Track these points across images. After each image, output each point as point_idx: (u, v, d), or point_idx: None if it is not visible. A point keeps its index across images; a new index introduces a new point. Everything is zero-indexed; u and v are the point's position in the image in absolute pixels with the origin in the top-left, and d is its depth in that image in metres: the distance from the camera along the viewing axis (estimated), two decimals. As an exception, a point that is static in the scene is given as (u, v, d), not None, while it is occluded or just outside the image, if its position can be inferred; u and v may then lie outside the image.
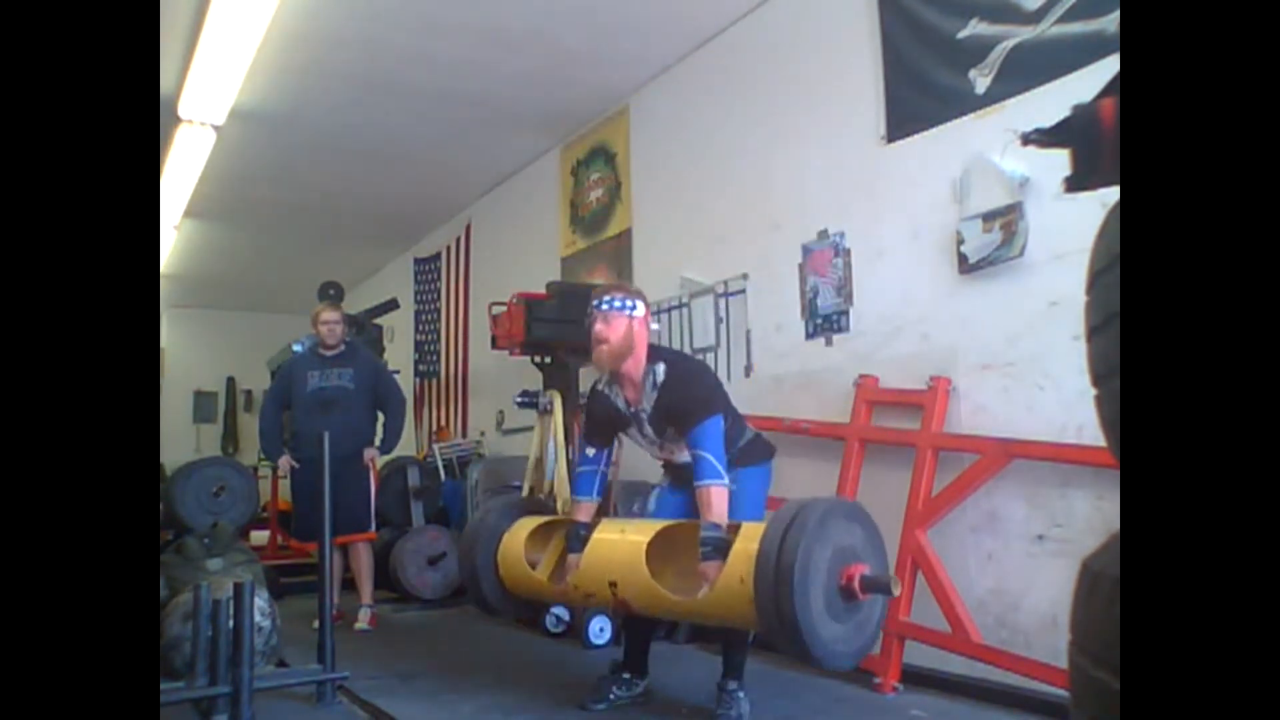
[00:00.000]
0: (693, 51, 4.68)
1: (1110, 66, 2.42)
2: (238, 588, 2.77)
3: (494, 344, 5.01)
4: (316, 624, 3.17)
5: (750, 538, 2.43)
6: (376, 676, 3.39)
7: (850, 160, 3.70)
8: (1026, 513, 2.93)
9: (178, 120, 5.05)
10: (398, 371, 5.79)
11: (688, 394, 2.76)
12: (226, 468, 4.88)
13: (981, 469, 2.95)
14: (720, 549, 2.52)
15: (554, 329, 4.63)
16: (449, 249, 7.56)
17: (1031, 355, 2.95)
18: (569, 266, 5.78)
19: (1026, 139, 1.22)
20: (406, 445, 6.65)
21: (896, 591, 2.41)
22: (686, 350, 4.57)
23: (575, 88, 5.13)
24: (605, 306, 2.80)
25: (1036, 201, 2.94)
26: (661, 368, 2.81)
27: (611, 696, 2.93)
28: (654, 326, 2.97)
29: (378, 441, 4.86)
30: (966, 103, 3.21)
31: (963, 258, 3.16)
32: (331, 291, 6.96)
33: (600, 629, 3.91)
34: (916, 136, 3.41)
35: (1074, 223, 2.69)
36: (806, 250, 3.87)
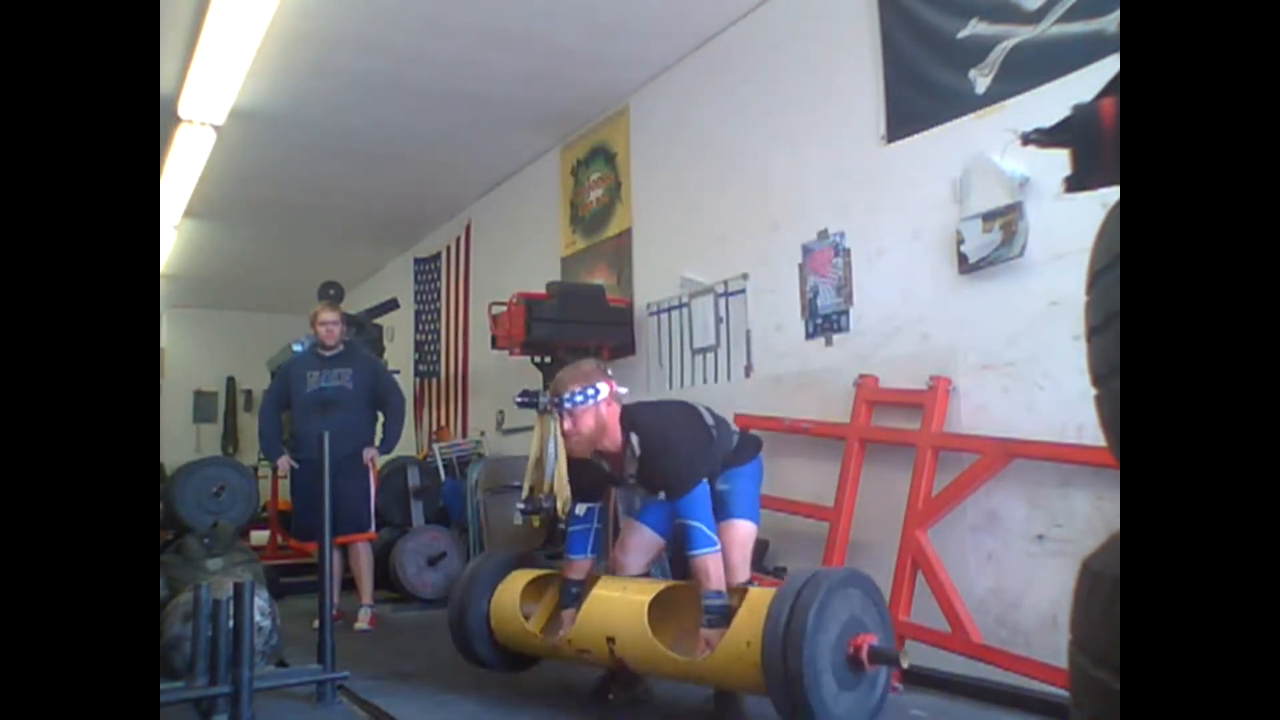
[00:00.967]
0: (693, 51, 4.68)
1: (1110, 66, 2.43)
2: (238, 588, 2.77)
3: (494, 344, 5.01)
4: (316, 624, 3.17)
5: (758, 604, 2.41)
6: (376, 676, 3.39)
7: (850, 160, 3.70)
8: (1026, 513, 2.93)
9: (178, 120, 5.05)
10: (397, 371, 5.78)
11: (666, 469, 2.72)
12: (226, 468, 4.87)
13: (981, 469, 2.95)
14: (724, 617, 2.52)
15: (554, 329, 4.64)
16: (449, 249, 7.55)
17: (1031, 355, 2.95)
18: (569, 266, 5.78)
19: (1026, 139, 1.22)
20: (406, 445, 6.65)
21: (905, 665, 2.39)
22: (686, 351, 4.57)
23: (575, 88, 5.13)
24: (569, 404, 2.71)
25: (1036, 201, 2.94)
26: (635, 439, 2.76)
27: (611, 696, 2.93)
28: (622, 392, 2.89)
29: (377, 441, 4.86)
30: (966, 103, 3.21)
31: (963, 258, 3.16)
32: (331, 291, 6.96)
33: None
34: (916, 136, 3.41)
35: (1074, 223, 2.69)
36: (806, 250, 3.87)
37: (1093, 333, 0.89)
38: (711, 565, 2.58)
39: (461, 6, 4.24)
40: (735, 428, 3.03)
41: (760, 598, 2.44)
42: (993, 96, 3.13)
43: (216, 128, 5.25)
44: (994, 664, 2.82)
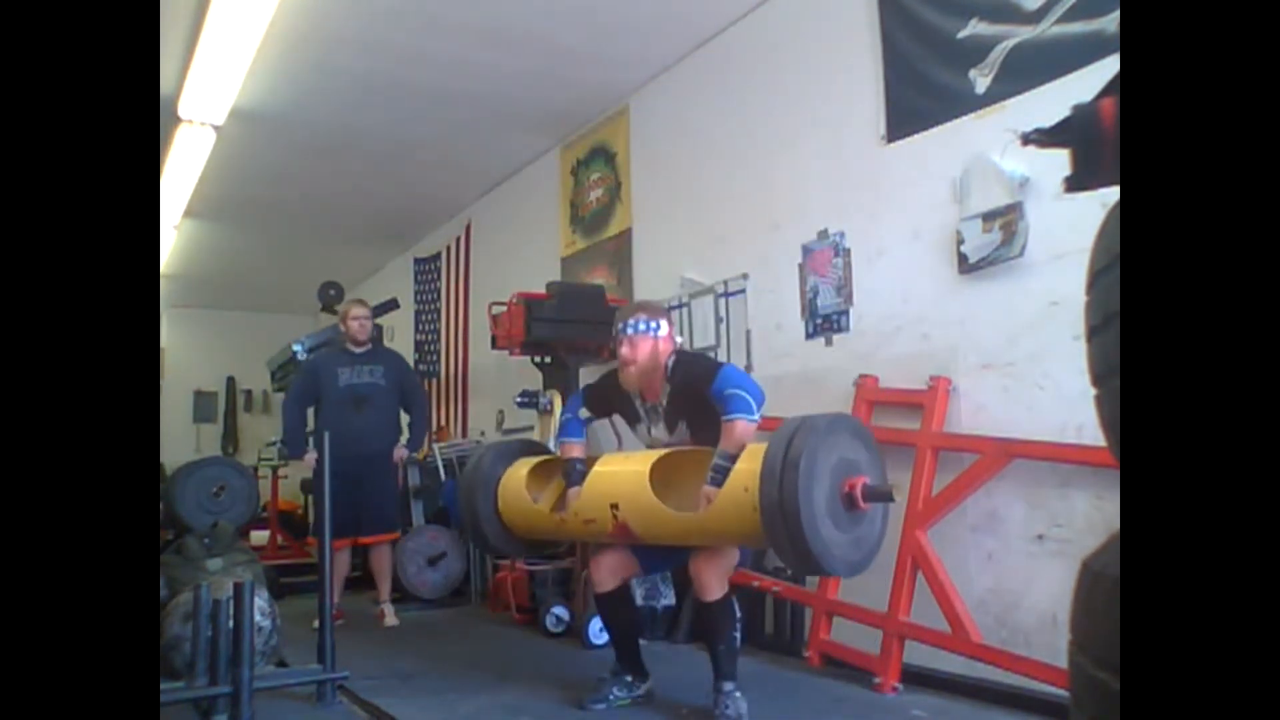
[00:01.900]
0: (693, 51, 4.68)
1: (1110, 66, 2.43)
2: (238, 588, 2.77)
3: (494, 344, 5.01)
4: (316, 624, 3.17)
5: (754, 453, 2.46)
6: (376, 676, 3.39)
7: (850, 160, 3.70)
8: (1026, 513, 2.93)
9: (178, 120, 5.05)
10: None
11: (696, 364, 2.86)
12: (226, 468, 4.86)
13: (981, 469, 2.95)
14: (728, 476, 2.53)
15: (554, 329, 4.63)
16: (449, 249, 7.55)
17: (1031, 355, 2.95)
18: (569, 266, 5.78)
19: (1026, 139, 1.22)
20: (406, 445, 6.64)
21: (895, 499, 2.45)
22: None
23: (575, 88, 5.12)
24: (630, 330, 2.86)
25: (1036, 201, 2.94)
26: (672, 360, 2.88)
27: (611, 697, 2.93)
28: (678, 340, 3.02)
29: (403, 440, 4.89)
30: (966, 103, 3.21)
31: (963, 258, 3.16)
32: (332, 291, 6.98)
33: (600, 629, 3.91)
34: (916, 136, 3.41)
35: (1074, 223, 2.69)
36: (806, 250, 3.87)
37: (1093, 333, 0.89)
38: (739, 430, 2.60)
39: (461, 6, 4.23)
40: None
41: (756, 448, 2.47)
42: (993, 96, 3.13)
43: (216, 128, 5.25)
44: (994, 664, 2.82)
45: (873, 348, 3.53)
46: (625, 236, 5.22)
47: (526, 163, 6.30)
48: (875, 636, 3.12)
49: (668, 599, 3.92)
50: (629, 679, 2.98)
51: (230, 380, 10.66)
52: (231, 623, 2.71)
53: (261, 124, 5.40)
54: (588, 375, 4.98)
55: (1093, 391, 0.90)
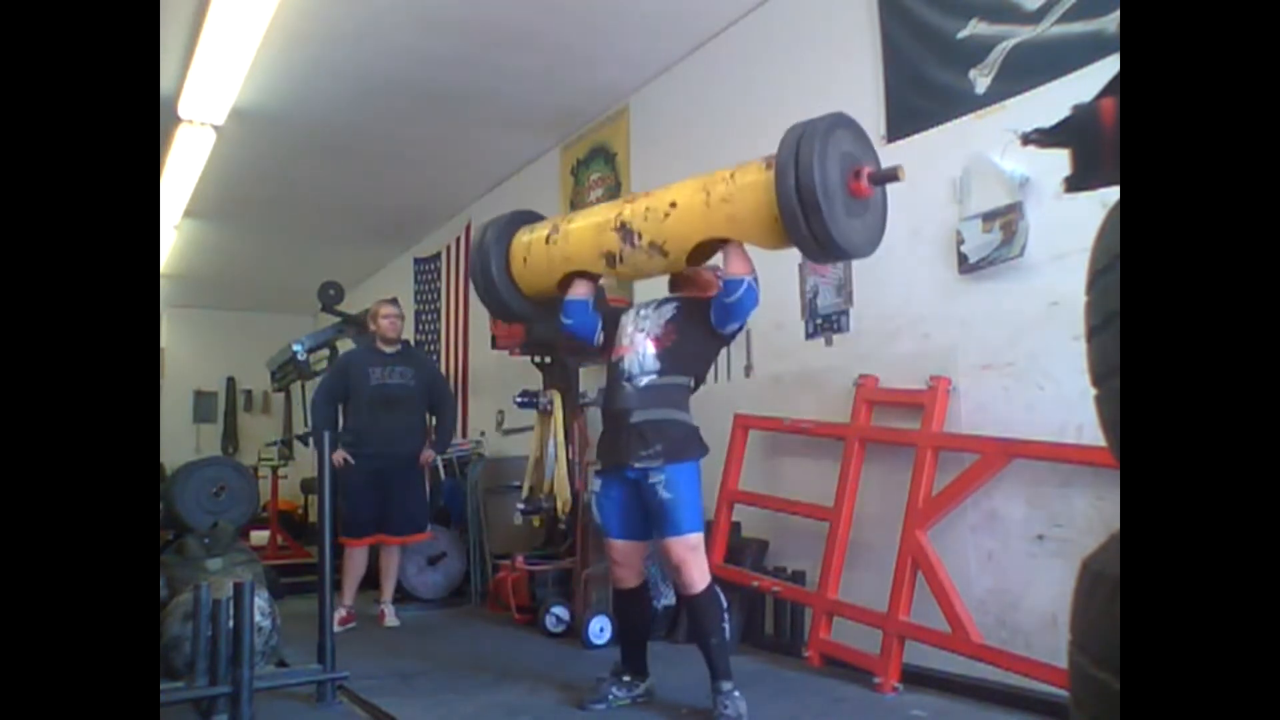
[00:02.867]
0: (693, 51, 4.68)
1: (1110, 66, 2.43)
2: (238, 588, 2.77)
3: (494, 344, 5.01)
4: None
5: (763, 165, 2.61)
6: (376, 676, 3.38)
7: (850, 160, 3.70)
8: (1026, 513, 2.93)
9: (178, 120, 5.05)
10: None
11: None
12: (226, 468, 4.87)
13: (981, 469, 2.95)
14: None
15: (554, 329, 4.62)
16: (449, 249, 7.55)
17: (1031, 355, 2.95)
18: (569, 266, 5.77)
19: (1026, 139, 1.22)
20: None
21: (903, 177, 2.53)
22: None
23: (575, 88, 5.12)
24: None
25: (1036, 201, 2.94)
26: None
27: (610, 697, 2.93)
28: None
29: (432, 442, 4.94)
30: (966, 102, 3.21)
31: (963, 258, 3.16)
32: (332, 291, 6.97)
33: (600, 629, 3.91)
34: (916, 136, 3.41)
35: (1074, 223, 2.68)
36: (806, 250, 3.87)
37: (1093, 333, 0.89)
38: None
39: (462, 6, 4.24)
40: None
41: (765, 170, 2.60)
42: (993, 96, 3.13)
43: (216, 128, 5.25)
44: (994, 664, 2.82)
45: (873, 348, 3.53)
46: (625, 236, 5.21)
47: (526, 163, 6.30)
48: (875, 636, 3.12)
49: (668, 599, 3.92)
50: (628, 678, 2.97)
51: (230, 380, 10.66)
52: (231, 623, 2.71)
53: (261, 124, 5.40)
54: (588, 375, 4.98)
55: (1093, 391, 0.90)
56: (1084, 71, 2.77)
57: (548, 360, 4.72)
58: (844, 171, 2.48)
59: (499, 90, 5.12)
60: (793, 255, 3.90)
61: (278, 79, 4.83)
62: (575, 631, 4.02)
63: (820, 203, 2.38)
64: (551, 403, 4.43)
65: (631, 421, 2.80)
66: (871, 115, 3.60)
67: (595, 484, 3.01)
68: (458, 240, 7.40)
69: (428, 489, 5.08)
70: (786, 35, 4.11)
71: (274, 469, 7.34)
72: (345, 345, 6.60)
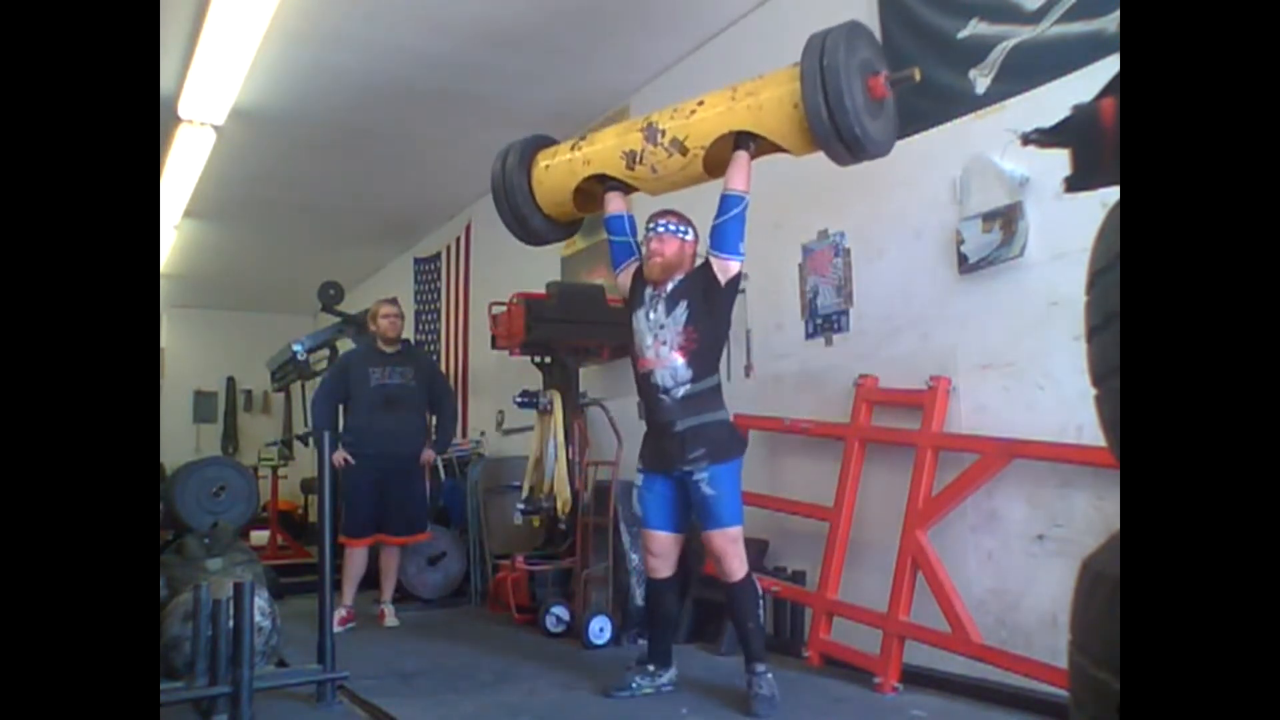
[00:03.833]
0: (693, 51, 4.68)
1: (1110, 66, 2.43)
2: (238, 588, 2.77)
3: (494, 344, 5.01)
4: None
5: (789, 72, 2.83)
6: (376, 676, 3.39)
7: (850, 160, 3.69)
8: (1026, 513, 2.93)
9: (178, 120, 5.05)
10: None
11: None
12: (226, 468, 4.86)
13: (981, 469, 2.95)
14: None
15: (554, 329, 4.63)
16: (449, 249, 7.55)
17: (1031, 355, 2.95)
18: (569, 266, 5.77)
19: (1026, 139, 1.22)
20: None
21: (919, 78, 2.75)
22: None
23: (575, 88, 5.12)
24: (663, 229, 3.03)
25: (1036, 201, 2.94)
26: (699, 263, 3.05)
27: (634, 685, 3.03)
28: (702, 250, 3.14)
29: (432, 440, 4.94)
30: (966, 102, 3.21)
31: (963, 258, 3.16)
32: (332, 291, 6.97)
33: (600, 629, 3.91)
34: (916, 136, 3.40)
35: (1074, 223, 2.69)
36: (806, 250, 3.87)
37: (1093, 333, 0.89)
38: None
39: (462, 6, 4.23)
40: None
41: (790, 68, 2.81)
42: (993, 96, 3.13)
43: (216, 128, 5.25)
44: (994, 664, 2.82)
45: (872, 348, 3.53)
46: (625, 236, 5.20)
47: (527, 162, 6.29)
48: (875, 636, 3.12)
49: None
50: (652, 668, 3.08)
51: (230, 380, 10.66)
52: (231, 623, 2.71)
53: (261, 124, 5.39)
54: (588, 375, 4.99)
55: (1093, 391, 0.90)
56: (1084, 71, 2.77)
57: (547, 360, 4.72)
58: (863, 72, 2.70)
59: (499, 90, 5.12)
60: (793, 255, 3.92)
61: (278, 79, 4.83)
62: (575, 631, 4.02)
63: (843, 90, 2.56)
64: (551, 403, 4.44)
65: (675, 430, 2.95)
66: (871, 115, 3.60)
67: (639, 479, 3.13)
68: (458, 240, 7.40)
69: (428, 489, 5.07)
70: (787, 35, 4.09)
71: (274, 469, 7.34)
72: (345, 345, 6.60)
